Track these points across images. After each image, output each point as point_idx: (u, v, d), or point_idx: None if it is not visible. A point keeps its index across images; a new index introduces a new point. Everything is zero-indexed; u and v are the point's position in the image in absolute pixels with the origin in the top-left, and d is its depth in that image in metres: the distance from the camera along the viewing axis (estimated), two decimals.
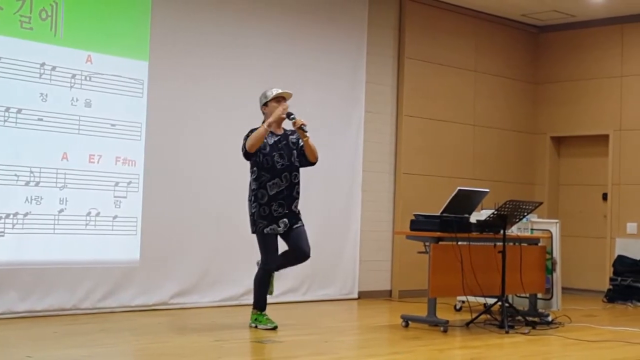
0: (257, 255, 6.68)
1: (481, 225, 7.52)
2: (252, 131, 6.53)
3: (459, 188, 7.31)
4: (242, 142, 6.53)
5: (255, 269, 6.72)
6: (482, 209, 8.03)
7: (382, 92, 9.97)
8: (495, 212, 7.38)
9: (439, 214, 7.23)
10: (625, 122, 11.03)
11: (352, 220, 9.51)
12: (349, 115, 9.55)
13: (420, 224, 7.38)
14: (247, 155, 6.51)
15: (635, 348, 6.53)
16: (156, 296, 7.87)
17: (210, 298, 8.23)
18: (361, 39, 9.67)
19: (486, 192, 7.54)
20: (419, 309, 7.48)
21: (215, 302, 8.23)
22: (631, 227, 10.83)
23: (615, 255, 10.81)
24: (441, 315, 7.33)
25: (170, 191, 7.99)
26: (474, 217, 7.67)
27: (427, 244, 7.21)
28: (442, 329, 6.99)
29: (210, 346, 5.89)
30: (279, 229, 6.58)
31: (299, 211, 6.69)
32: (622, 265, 10.60)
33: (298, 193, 6.67)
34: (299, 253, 6.71)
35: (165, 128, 7.97)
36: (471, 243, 7.53)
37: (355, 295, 9.42)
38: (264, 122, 6.59)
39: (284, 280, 8.64)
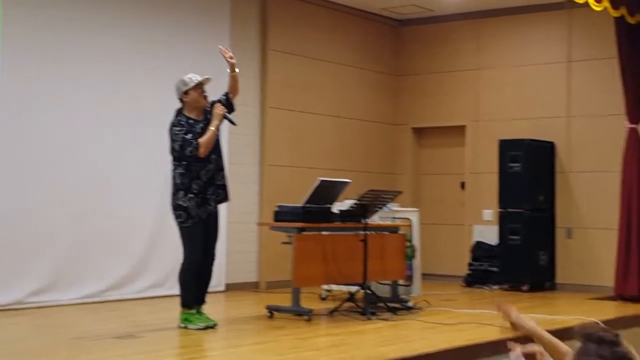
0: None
1: (343, 214, 7.69)
2: (182, 129, 6.43)
3: (320, 179, 7.44)
4: (174, 143, 6.44)
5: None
6: (345, 199, 8.20)
7: (246, 84, 9.92)
8: (357, 202, 7.57)
9: (301, 204, 7.34)
10: (481, 113, 11.46)
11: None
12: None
13: (283, 214, 7.48)
14: (193, 157, 6.44)
15: (489, 329, 6.83)
16: (11, 295, 7.60)
17: (71, 295, 8.04)
18: (223, 30, 9.64)
19: (347, 183, 7.69)
20: (285, 299, 7.57)
21: (77, 300, 8.06)
22: (487, 214, 11.25)
23: (473, 241, 11.25)
24: (307, 304, 7.46)
25: (20, 184, 7.72)
26: (336, 207, 7.83)
27: (290, 234, 7.31)
28: (306, 318, 7.10)
29: (69, 344, 5.79)
30: (210, 207, 6.60)
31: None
32: (480, 250, 11.06)
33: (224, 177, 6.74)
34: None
35: (15, 120, 7.71)
36: (334, 232, 7.72)
37: (222, 288, 9.41)
38: (181, 110, 6.56)
39: (149, 274, 8.58)
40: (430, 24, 11.78)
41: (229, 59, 6.69)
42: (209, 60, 9.41)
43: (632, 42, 9.40)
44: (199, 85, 6.61)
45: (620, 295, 9.39)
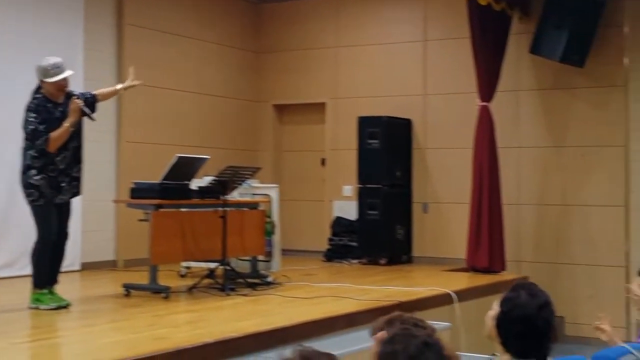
0: None
1: (202, 191, 7.64)
2: (37, 118, 6.18)
3: (178, 155, 7.36)
4: (26, 129, 6.21)
5: None
6: (204, 176, 8.14)
7: (102, 59, 9.74)
8: (216, 178, 7.54)
9: (159, 181, 7.24)
10: (341, 90, 11.60)
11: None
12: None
13: (140, 192, 7.36)
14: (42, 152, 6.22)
15: (346, 302, 7.01)
16: None
17: None
18: (78, 3, 9.36)
19: (206, 159, 7.64)
20: (143, 278, 7.45)
21: None
22: (347, 189, 11.43)
23: (333, 217, 11.41)
24: (166, 282, 7.37)
25: None
26: (195, 184, 7.77)
27: (147, 211, 7.21)
28: (163, 295, 7.02)
29: None
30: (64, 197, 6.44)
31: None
32: (339, 226, 11.24)
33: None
34: None
35: None
36: (192, 209, 7.67)
37: (78, 267, 9.17)
38: (40, 89, 6.30)
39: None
40: (290, 2, 11.83)
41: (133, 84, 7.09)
42: (62, 35, 9.16)
43: (483, 22, 9.66)
44: (59, 85, 6.37)
45: (472, 266, 9.73)
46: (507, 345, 3.36)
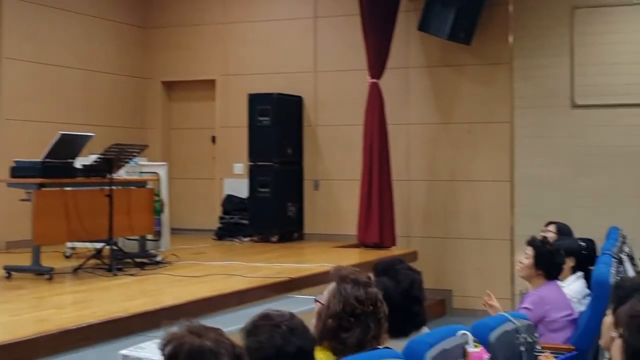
0: None
1: (87, 169, 7.44)
2: None
3: (61, 133, 7.13)
4: None
5: None
6: (90, 154, 7.92)
7: None
8: (101, 156, 7.33)
9: (41, 159, 6.99)
10: (231, 67, 11.48)
11: None
12: None
13: (21, 170, 7.10)
14: None
15: (237, 279, 6.99)
16: None
17: None
18: None
19: (90, 136, 7.43)
20: (27, 259, 7.20)
21: None
22: (238, 167, 11.34)
23: (224, 195, 11.32)
24: (50, 263, 7.15)
25: None
26: (80, 162, 7.54)
27: (29, 191, 6.96)
28: (47, 277, 6.80)
29: None
30: None
31: None
32: (230, 204, 11.16)
33: None
34: None
35: None
36: (77, 188, 7.45)
37: None
38: None
39: None
40: None
41: None
42: None
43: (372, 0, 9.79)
44: None
45: (363, 242, 9.84)
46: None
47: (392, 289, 3.78)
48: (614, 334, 2.68)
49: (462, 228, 10.36)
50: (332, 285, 3.40)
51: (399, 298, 3.79)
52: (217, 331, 2.52)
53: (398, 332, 3.69)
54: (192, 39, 11.56)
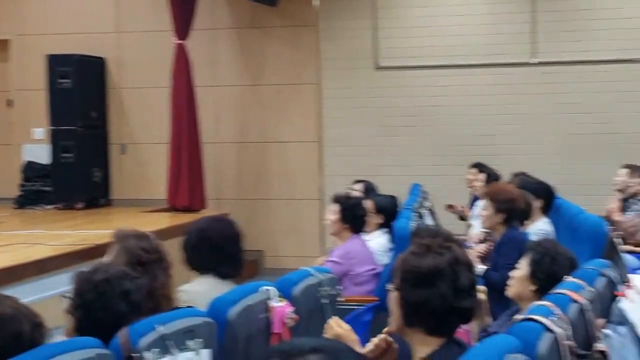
0: None
1: None
2: None
3: None
4: None
5: None
6: None
7: None
8: None
9: None
10: (26, 27, 11.19)
11: None
12: None
13: None
14: None
15: (38, 248, 6.87)
16: None
17: None
18: None
19: None
20: None
21: None
22: (38, 132, 11.11)
23: (24, 162, 11.05)
24: None
25: None
26: None
27: None
28: None
29: None
30: None
31: None
32: (31, 170, 10.95)
33: None
34: None
35: None
36: None
37: None
38: None
39: None
40: None
41: None
42: None
43: None
44: None
45: (173, 206, 10.00)
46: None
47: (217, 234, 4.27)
48: (391, 287, 2.81)
49: (272, 189, 10.73)
50: (115, 245, 3.67)
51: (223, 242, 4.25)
52: (14, 299, 2.68)
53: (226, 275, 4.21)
54: None
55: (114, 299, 3.06)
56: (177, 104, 10.01)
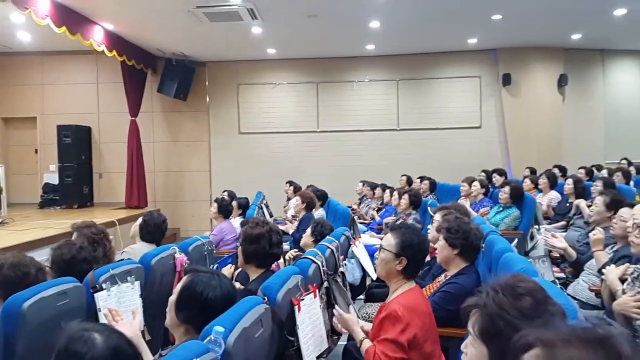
0: None
1: None
2: None
3: None
4: None
5: None
6: None
7: None
8: None
9: None
10: (46, 108, 14.15)
11: None
12: None
13: None
14: None
15: (48, 230, 7.96)
16: None
17: None
18: None
19: None
20: None
21: None
22: (52, 167, 13.86)
23: (44, 183, 13.66)
24: None
25: None
26: None
27: None
28: None
29: None
30: None
31: None
32: (48, 187, 13.48)
33: None
34: None
35: None
36: None
37: None
38: None
39: None
40: None
41: None
42: None
43: (130, 73, 13.05)
44: None
45: (128, 205, 13.06)
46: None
47: (153, 219, 5.11)
48: (239, 244, 3.57)
49: (184, 195, 14.07)
50: (75, 232, 4.29)
51: (156, 223, 5.04)
52: (27, 255, 3.19)
53: (151, 241, 4.91)
54: None
55: (77, 262, 3.64)
56: (131, 151, 13.23)
